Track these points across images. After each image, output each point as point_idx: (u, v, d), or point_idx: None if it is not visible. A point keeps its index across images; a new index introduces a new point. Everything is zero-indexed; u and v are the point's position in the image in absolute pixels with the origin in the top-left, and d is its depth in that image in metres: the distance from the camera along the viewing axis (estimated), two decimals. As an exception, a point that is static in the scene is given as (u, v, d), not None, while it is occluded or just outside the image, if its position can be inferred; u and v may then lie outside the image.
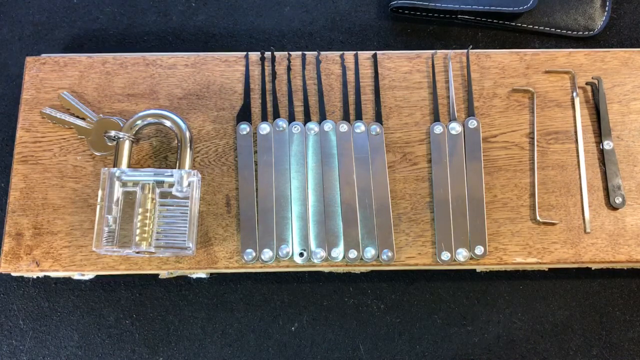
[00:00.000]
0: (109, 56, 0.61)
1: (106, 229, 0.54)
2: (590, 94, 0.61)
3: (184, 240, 0.53)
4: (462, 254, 0.56)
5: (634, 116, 0.60)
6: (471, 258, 0.57)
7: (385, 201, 0.57)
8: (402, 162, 0.59)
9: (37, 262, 0.56)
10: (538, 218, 0.57)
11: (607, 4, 0.67)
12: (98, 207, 0.54)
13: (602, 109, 0.60)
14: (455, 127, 0.59)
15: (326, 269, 0.58)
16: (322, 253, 0.56)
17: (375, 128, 0.59)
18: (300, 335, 0.60)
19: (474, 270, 0.60)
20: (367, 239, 0.57)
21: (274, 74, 0.61)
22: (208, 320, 0.60)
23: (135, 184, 0.55)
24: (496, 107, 0.60)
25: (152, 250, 0.53)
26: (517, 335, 0.60)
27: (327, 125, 0.59)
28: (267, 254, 0.56)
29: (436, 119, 0.60)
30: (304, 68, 0.61)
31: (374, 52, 0.61)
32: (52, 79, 0.60)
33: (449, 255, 0.56)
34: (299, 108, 0.60)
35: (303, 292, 0.61)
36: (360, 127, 0.59)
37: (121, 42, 0.68)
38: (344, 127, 0.59)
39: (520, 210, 0.58)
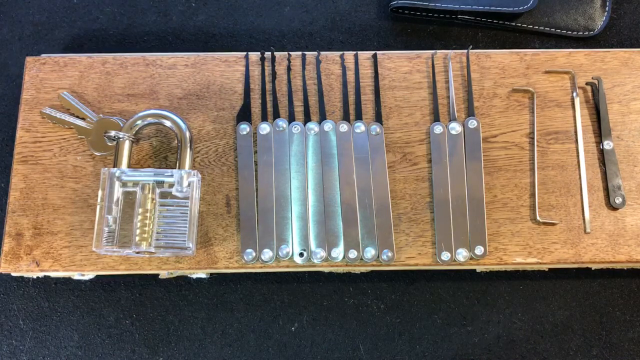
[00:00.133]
0: (109, 56, 0.61)
1: (106, 229, 0.54)
2: (590, 94, 0.61)
3: (184, 241, 0.53)
4: (462, 254, 0.56)
5: (634, 116, 0.60)
6: (471, 258, 0.57)
7: (385, 201, 0.57)
8: (402, 162, 0.59)
9: (37, 262, 0.56)
10: (538, 218, 0.57)
11: (607, 4, 0.67)
12: (98, 207, 0.54)
13: (602, 109, 0.60)
14: (455, 127, 0.59)
15: (326, 269, 0.58)
16: (322, 253, 0.56)
17: (375, 128, 0.59)
18: (300, 335, 0.60)
19: (474, 270, 0.60)
20: (367, 239, 0.57)
21: (274, 74, 0.61)
22: (208, 320, 0.60)
23: (135, 184, 0.55)
24: (496, 107, 0.60)
25: (152, 250, 0.53)
26: (517, 335, 0.60)
27: (327, 125, 0.59)
28: (267, 254, 0.56)
29: (436, 119, 0.60)
30: (304, 68, 0.61)
31: (374, 52, 0.61)
32: (52, 79, 0.60)
33: (449, 255, 0.56)
34: (299, 108, 0.60)
35: (303, 292, 0.61)
36: (360, 127, 0.59)
37: (121, 42, 0.68)
38: (344, 127, 0.59)
39: (520, 210, 0.58)
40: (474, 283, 0.61)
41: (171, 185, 0.54)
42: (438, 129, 0.59)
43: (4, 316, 0.60)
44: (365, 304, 0.61)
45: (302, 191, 0.58)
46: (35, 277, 0.61)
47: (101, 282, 0.61)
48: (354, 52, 0.61)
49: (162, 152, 0.59)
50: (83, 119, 0.59)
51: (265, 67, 0.61)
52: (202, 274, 0.58)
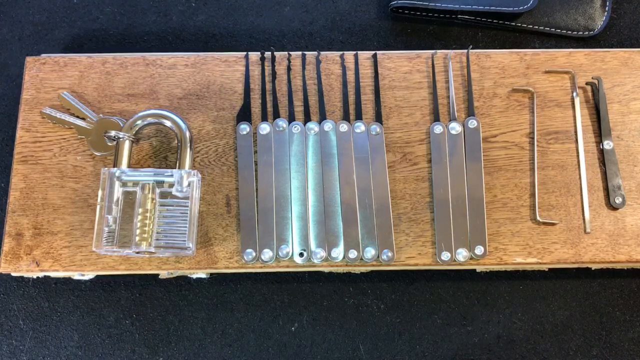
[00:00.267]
0: (109, 56, 0.61)
1: (106, 229, 0.54)
2: (590, 94, 0.61)
3: (184, 240, 0.53)
4: (462, 254, 0.56)
5: (634, 116, 0.60)
6: (471, 258, 0.57)
7: (385, 201, 0.57)
8: (402, 162, 0.59)
9: (37, 262, 0.56)
10: (538, 218, 0.57)
11: (607, 4, 0.67)
12: (98, 207, 0.54)
13: (602, 109, 0.60)
14: (455, 127, 0.59)
15: (326, 269, 0.58)
16: (322, 253, 0.56)
17: (375, 128, 0.59)
18: (300, 335, 0.60)
19: (474, 270, 0.60)
20: (367, 239, 0.56)
21: (274, 74, 0.61)
22: (208, 320, 0.60)
23: (135, 184, 0.55)
24: (496, 107, 0.60)
25: (152, 250, 0.53)
26: (517, 335, 0.60)
27: (327, 125, 0.59)
28: (267, 254, 0.56)
29: (436, 119, 0.60)
30: (304, 68, 0.61)
31: (374, 52, 0.61)
32: (52, 79, 0.60)
33: (449, 255, 0.56)
34: (299, 108, 0.60)
35: (303, 292, 0.61)
36: (360, 127, 0.59)
37: (121, 42, 0.68)
38: (344, 127, 0.59)
39: (520, 210, 0.58)
40: (474, 283, 0.61)
41: (171, 185, 0.54)
42: (438, 128, 0.59)
43: (4, 316, 0.60)
44: (365, 304, 0.61)
45: (302, 191, 0.58)
46: (35, 277, 0.61)
47: (101, 282, 0.61)
48: (354, 52, 0.61)
49: (162, 152, 0.59)
50: (83, 119, 0.59)
51: (265, 67, 0.61)
52: (202, 274, 0.58)
